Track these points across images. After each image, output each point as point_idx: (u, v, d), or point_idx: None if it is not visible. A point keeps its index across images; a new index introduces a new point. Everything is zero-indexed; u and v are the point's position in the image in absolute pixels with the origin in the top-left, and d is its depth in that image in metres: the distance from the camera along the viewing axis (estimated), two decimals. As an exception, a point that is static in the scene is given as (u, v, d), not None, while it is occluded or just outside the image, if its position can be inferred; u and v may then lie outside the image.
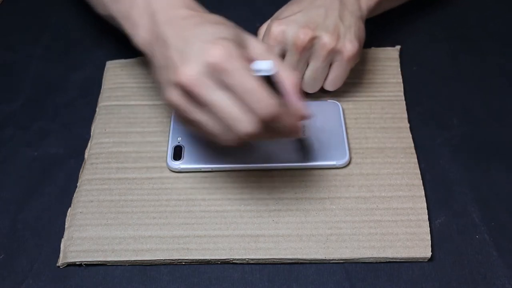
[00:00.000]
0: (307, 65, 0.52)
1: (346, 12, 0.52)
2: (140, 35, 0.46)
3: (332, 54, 0.51)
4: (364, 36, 0.53)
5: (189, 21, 0.43)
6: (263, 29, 0.53)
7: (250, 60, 0.41)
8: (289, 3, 0.54)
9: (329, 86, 0.54)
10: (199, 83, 0.39)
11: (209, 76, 0.39)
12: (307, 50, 0.51)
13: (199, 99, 0.40)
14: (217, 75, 0.39)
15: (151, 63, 0.46)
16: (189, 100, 0.41)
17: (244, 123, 0.39)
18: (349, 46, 0.50)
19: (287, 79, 0.42)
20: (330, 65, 0.52)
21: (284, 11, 0.53)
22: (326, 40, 0.50)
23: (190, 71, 0.39)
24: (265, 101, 0.39)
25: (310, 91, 0.55)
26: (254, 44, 0.43)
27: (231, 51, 0.39)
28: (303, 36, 0.49)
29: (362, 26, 0.53)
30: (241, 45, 0.42)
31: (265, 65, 0.40)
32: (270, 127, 0.41)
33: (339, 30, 0.51)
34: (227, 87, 0.39)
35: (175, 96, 0.41)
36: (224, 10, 0.69)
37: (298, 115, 0.42)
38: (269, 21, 0.53)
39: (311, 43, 0.50)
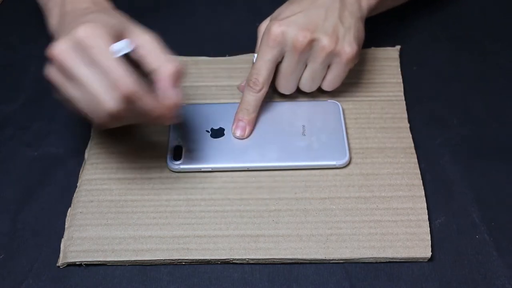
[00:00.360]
0: (305, 66, 0.53)
1: (346, 13, 0.52)
2: (51, 23, 0.52)
3: (331, 56, 0.51)
4: (363, 37, 0.53)
5: (86, 11, 0.48)
6: (262, 27, 0.54)
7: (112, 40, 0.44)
8: (289, 1, 0.54)
9: (327, 87, 0.55)
10: (66, 57, 0.42)
11: (75, 51, 0.42)
12: (305, 52, 0.51)
13: (68, 73, 0.43)
14: (81, 51, 0.42)
15: None
16: (62, 75, 0.43)
17: (106, 99, 0.42)
18: (348, 48, 0.51)
19: (163, 67, 0.44)
20: (329, 66, 0.53)
21: (285, 10, 0.52)
22: (325, 43, 0.50)
23: (59, 46, 0.42)
24: (123, 79, 0.41)
25: (308, 90, 0.55)
26: (139, 33, 0.45)
27: (96, 30, 0.42)
28: (302, 38, 0.50)
29: (361, 27, 0.53)
30: (118, 34, 0.44)
31: (122, 44, 0.43)
32: (137, 109, 0.43)
33: (338, 32, 0.51)
34: (91, 63, 0.42)
35: (52, 72, 0.44)
36: (224, 10, 0.69)
37: (167, 102, 0.44)
38: (268, 19, 0.54)
39: (310, 45, 0.51)
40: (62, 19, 0.50)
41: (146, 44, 0.45)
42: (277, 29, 0.50)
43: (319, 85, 0.55)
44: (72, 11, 0.49)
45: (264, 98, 0.54)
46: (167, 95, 0.43)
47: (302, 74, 0.53)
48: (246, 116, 0.53)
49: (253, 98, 0.53)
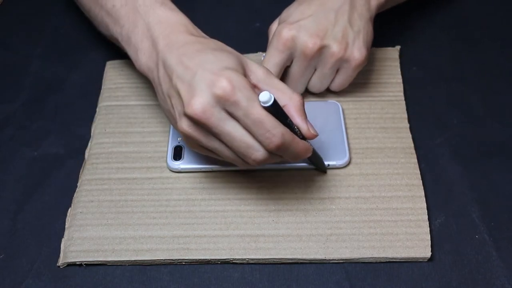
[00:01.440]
0: (314, 70, 0.53)
1: (355, 15, 0.51)
2: (141, 60, 0.47)
3: (340, 62, 0.52)
4: (372, 38, 0.53)
5: (190, 47, 0.43)
6: (273, 28, 0.54)
7: (253, 87, 0.42)
8: (299, 1, 0.53)
9: (335, 88, 0.55)
10: (209, 115, 0.40)
11: (218, 108, 0.41)
12: (315, 58, 0.51)
13: (211, 130, 0.41)
14: (225, 106, 0.40)
15: (155, 87, 0.46)
16: (201, 131, 0.42)
17: (255, 152, 0.41)
18: (357, 54, 0.51)
19: (291, 102, 0.44)
20: (338, 69, 0.53)
21: (294, 11, 0.52)
22: (335, 49, 0.50)
23: (199, 104, 0.40)
24: (275, 130, 0.40)
25: (316, 92, 0.56)
26: (255, 69, 0.44)
27: (236, 82, 0.40)
28: (312, 45, 0.50)
29: (370, 29, 0.53)
30: (243, 72, 0.43)
31: (264, 97, 0.40)
32: (286, 154, 0.43)
33: (347, 37, 0.51)
34: (236, 118, 0.41)
35: (187, 127, 0.42)
36: (223, 10, 0.69)
37: (306, 137, 0.45)
38: (278, 20, 0.53)
39: (320, 52, 0.51)
40: (158, 56, 0.44)
41: (267, 79, 0.44)
42: (287, 34, 0.50)
43: (327, 86, 0.55)
44: (170, 48, 0.44)
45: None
46: (304, 130, 0.44)
47: (310, 77, 0.54)
48: None
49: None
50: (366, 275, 0.47)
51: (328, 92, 0.57)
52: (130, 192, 0.51)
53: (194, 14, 0.68)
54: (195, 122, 0.41)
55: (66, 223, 0.50)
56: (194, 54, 0.43)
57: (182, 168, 0.52)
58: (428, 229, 0.48)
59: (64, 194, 0.52)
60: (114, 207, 0.50)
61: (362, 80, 0.59)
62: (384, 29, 0.63)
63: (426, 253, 0.47)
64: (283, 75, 0.53)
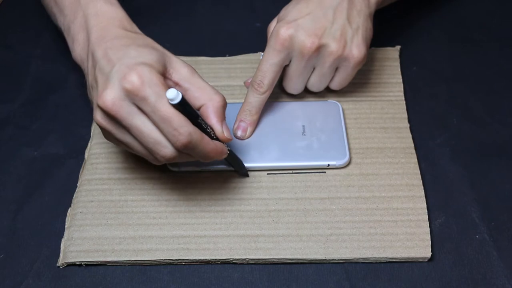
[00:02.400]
0: (313, 69, 0.53)
1: (354, 12, 0.51)
2: (76, 50, 0.48)
3: (338, 61, 0.51)
4: (371, 35, 0.53)
5: (118, 41, 0.44)
6: (271, 27, 0.54)
7: (171, 85, 0.43)
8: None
9: (335, 87, 0.55)
10: (118, 108, 0.41)
11: (127, 102, 0.41)
12: (313, 57, 0.51)
13: (121, 123, 0.42)
14: (134, 101, 0.41)
15: (86, 78, 0.47)
16: (113, 123, 0.43)
17: (163, 148, 0.42)
18: (356, 52, 0.51)
19: (210, 102, 0.44)
20: (337, 68, 0.53)
21: (292, 10, 0.51)
22: (333, 48, 0.50)
23: (109, 96, 0.41)
24: (182, 128, 0.40)
25: (316, 91, 0.56)
26: (178, 68, 0.44)
27: (147, 78, 0.40)
28: (310, 44, 0.50)
29: (370, 25, 0.52)
30: (163, 70, 0.43)
31: (174, 93, 0.40)
32: (194, 153, 0.43)
33: (346, 36, 0.50)
34: (145, 113, 0.41)
35: (100, 118, 0.43)
36: (224, 10, 0.69)
37: (220, 139, 0.45)
38: (276, 19, 0.53)
39: (318, 51, 0.50)
40: (89, 48, 0.45)
41: (189, 77, 0.44)
42: (285, 33, 0.50)
43: (327, 85, 0.55)
44: (100, 40, 0.44)
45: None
46: (218, 133, 0.45)
47: (309, 76, 0.54)
48: (249, 117, 0.53)
49: (256, 99, 0.52)
50: (366, 275, 0.47)
51: (328, 92, 0.57)
52: (130, 192, 0.51)
53: (194, 14, 0.69)
54: (107, 114, 0.42)
55: (66, 223, 0.50)
56: (119, 48, 0.43)
57: (182, 168, 0.52)
58: (428, 229, 0.48)
59: (64, 194, 0.52)
60: (114, 207, 0.50)
61: (362, 80, 0.59)
62: (384, 29, 0.63)
63: (426, 253, 0.47)
64: (282, 74, 0.53)
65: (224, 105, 0.45)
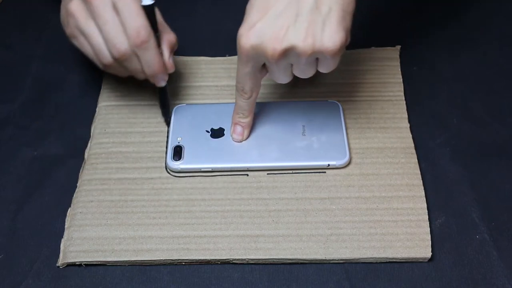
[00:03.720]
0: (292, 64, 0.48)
1: None
2: None
3: (312, 56, 0.46)
4: (352, 10, 0.45)
5: None
6: (239, 33, 0.48)
7: None
8: None
9: (323, 70, 0.49)
10: None
11: None
12: (283, 59, 0.46)
13: (93, 10, 0.48)
14: None
15: None
16: (84, 11, 0.49)
17: (119, 42, 0.48)
18: (329, 44, 0.44)
19: (167, 34, 0.52)
20: (317, 58, 0.47)
21: (251, 11, 0.46)
22: (300, 49, 0.44)
23: None
24: (143, 28, 0.48)
25: (305, 77, 0.50)
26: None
27: None
28: (272, 52, 0.45)
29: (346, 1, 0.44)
30: None
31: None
32: (143, 59, 0.49)
33: (314, 28, 0.44)
34: (117, 9, 0.47)
35: (75, 5, 0.49)
36: (224, 9, 0.69)
37: (168, 65, 0.52)
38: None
39: (285, 54, 0.45)
40: None
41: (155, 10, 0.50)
42: (246, 44, 0.45)
43: (314, 73, 0.50)
44: None
45: (264, 98, 0.53)
46: (167, 58, 0.51)
47: (291, 69, 0.49)
48: (242, 120, 0.53)
49: (244, 103, 0.51)
50: (366, 275, 0.47)
51: (328, 92, 0.57)
52: (130, 192, 0.51)
53: (195, 14, 0.69)
54: (84, 1, 0.48)
55: (65, 223, 0.50)
56: None
57: (181, 168, 0.52)
58: (429, 229, 0.48)
59: (64, 194, 0.52)
60: (114, 207, 0.50)
61: (362, 80, 0.59)
62: (384, 29, 0.63)
63: (427, 253, 0.47)
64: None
65: (176, 43, 0.53)
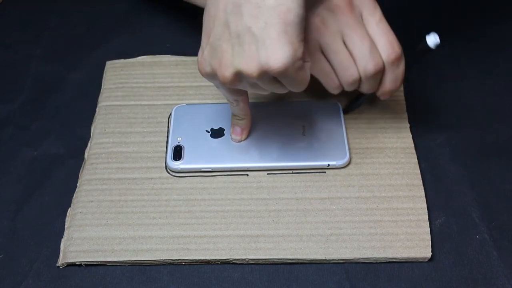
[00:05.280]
0: None
1: (252, 10, 0.39)
2: None
3: (267, 76, 0.41)
4: (294, 19, 0.39)
5: None
6: None
7: None
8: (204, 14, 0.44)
9: (293, 90, 0.45)
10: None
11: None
12: (240, 82, 0.43)
13: (345, 22, 0.46)
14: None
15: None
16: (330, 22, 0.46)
17: (376, 57, 0.47)
18: (274, 62, 0.39)
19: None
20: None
21: (202, 36, 0.44)
22: (248, 73, 0.40)
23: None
24: (392, 43, 0.49)
25: (284, 92, 0.47)
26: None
27: None
28: (223, 79, 0.42)
29: (287, 4, 0.38)
30: None
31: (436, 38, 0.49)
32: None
33: (253, 50, 0.39)
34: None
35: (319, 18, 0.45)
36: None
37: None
38: None
39: (237, 80, 0.42)
40: None
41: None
42: (202, 71, 0.44)
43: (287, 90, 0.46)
44: None
45: (263, 98, 0.53)
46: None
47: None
48: (240, 122, 0.53)
49: (235, 109, 0.51)
50: (366, 275, 0.47)
51: (328, 92, 0.57)
52: (130, 192, 0.51)
53: (194, 14, 0.69)
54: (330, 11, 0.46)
55: (65, 223, 0.50)
56: None
57: (182, 168, 0.52)
58: (429, 229, 0.48)
59: (64, 194, 0.52)
60: (114, 207, 0.50)
61: (362, 80, 0.59)
62: (384, 29, 0.63)
63: (427, 253, 0.47)
64: None
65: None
